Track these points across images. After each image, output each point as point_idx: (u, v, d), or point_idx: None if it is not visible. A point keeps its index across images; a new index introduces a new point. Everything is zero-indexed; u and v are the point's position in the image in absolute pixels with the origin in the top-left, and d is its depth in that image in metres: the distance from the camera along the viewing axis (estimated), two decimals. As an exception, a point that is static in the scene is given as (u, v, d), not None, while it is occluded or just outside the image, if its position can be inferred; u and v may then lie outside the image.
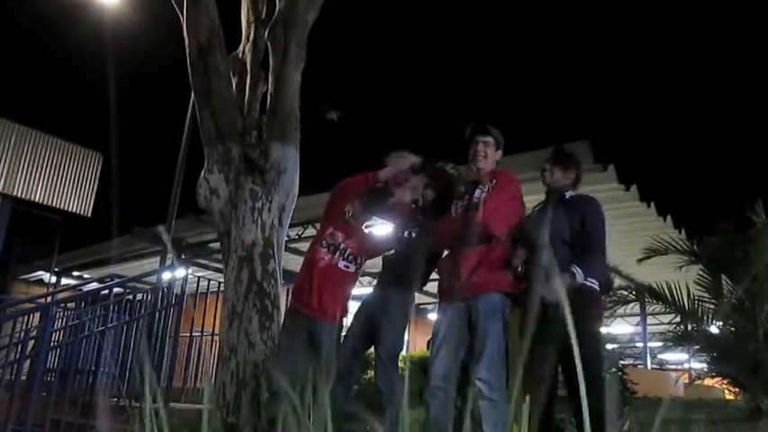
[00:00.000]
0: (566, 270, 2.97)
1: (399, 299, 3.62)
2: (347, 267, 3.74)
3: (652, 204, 10.22)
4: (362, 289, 6.29)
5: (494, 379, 2.85)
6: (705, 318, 6.34)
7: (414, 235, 3.70)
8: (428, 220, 3.56)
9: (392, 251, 3.86)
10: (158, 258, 9.66)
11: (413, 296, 3.78)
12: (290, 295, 4.19)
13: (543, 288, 2.72)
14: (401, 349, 3.66)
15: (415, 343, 17.61)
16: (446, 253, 3.34)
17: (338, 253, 3.74)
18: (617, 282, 11.19)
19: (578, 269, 2.96)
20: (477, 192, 3.23)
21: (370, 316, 3.61)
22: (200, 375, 7.27)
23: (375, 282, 3.94)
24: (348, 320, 3.84)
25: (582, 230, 3.13)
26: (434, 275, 3.68)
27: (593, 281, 3.04)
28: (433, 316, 18.09)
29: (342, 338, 3.79)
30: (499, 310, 3.00)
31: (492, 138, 3.36)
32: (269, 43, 4.84)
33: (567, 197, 3.34)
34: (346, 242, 3.75)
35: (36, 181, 11.09)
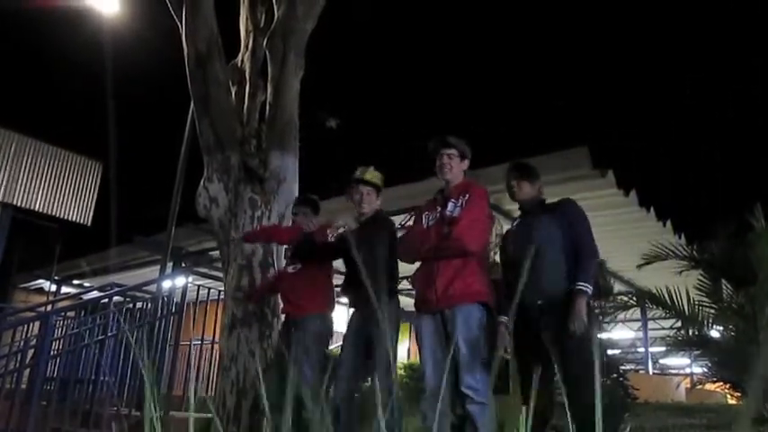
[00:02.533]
0: (566, 282, 3.05)
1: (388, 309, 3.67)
2: (294, 268, 3.89)
3: (651, 209, 10.22)
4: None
5: (479, 384, 2.98)
6: (705, 322, 6.33)
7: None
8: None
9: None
10: (158, 267, 9.65)
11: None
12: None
13: (572, 322, 2.89)
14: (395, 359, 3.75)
15: (413, 351, 17.58)
16: (419, 265, 3.40)
17: (286, 262, 4.17)
18: (617, 287, 11.18)
19: (585, 285, 2.99)
20: (450, 205, 3.30)
21: (365, 334, 3.64)
22: (200, 384, 7.25)
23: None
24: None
25: (572, 234, 3.15)
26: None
27: (587, 285, 3.04)
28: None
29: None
30: (476, 318, 3.11)
31: (455, 149, 3.40)
32: (268, 52, 4.86)
33: (548, 203, 3.37)
34: (287, 251, 4.02)
35: (36, 190, 11.11)
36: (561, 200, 3.38)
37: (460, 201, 3.27)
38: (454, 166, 3.39)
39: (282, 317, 4.38)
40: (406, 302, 4.88)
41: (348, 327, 3.76)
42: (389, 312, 3.62)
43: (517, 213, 3.54)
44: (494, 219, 4.18)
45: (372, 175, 3.93)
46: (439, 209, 3.35)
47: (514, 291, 3.05)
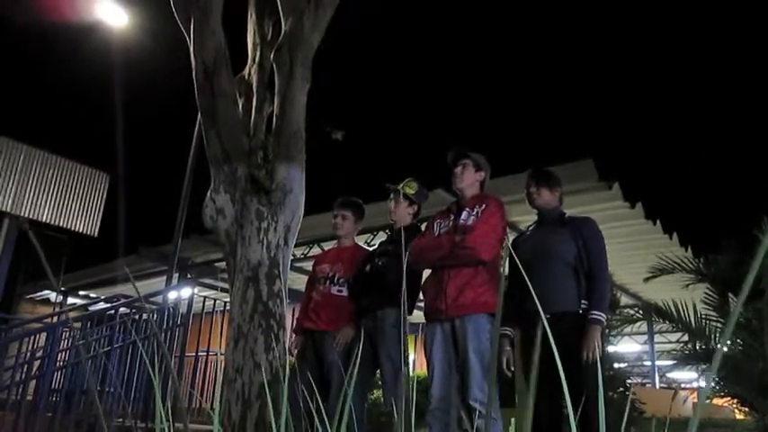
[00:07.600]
0: (573, 299, 3.02)
1: (392, 321, 3.63)
2: (340, 292, 3.84)
3: (658, 222, 10.18)
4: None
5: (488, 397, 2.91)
6: (712, 336, 6.29)
7: (381, 263, 3.76)
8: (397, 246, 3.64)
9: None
10: (164, 278, 9.66)
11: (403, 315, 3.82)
12: (294, 322, 4.27)
13: (585, 351, 2.86)
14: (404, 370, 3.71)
15: (420, 363, 17.51)
16: (429, 273, 3.37)
17: (328, 282, 3.89)
18: (623, 300, 11.13)
19: (600, 314, 2.95)
20: (465, 214, 3.28)
21: (371, 342, 3.64)
22: (205, 395, 7.25)
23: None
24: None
25: (585, 253, 3.10)
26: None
27: (601, 314, 2.99)
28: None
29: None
30: (487, 329, 3.06)
31: (469, 159, 3.43)
32: (275, 65, 4.88)
33: (567, 217, 3.33)
34: (333, 268, 3.90)
35: (43, 201, 11.16)
36: (582, 216, 3.36)
37: (476, 210, 3.25)
38: (467, 176, 3.41)
39: (287, 327, 4.38)
40: (415, 314, 4.86)
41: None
42: (391, 323, 3.61)
43: (522, 225, 3.54)
44: (506, 235, 4.17)
45: (406, 185, 3.95)
46: (452, 217, 3.33)
47: (520, 299, 3.05)
